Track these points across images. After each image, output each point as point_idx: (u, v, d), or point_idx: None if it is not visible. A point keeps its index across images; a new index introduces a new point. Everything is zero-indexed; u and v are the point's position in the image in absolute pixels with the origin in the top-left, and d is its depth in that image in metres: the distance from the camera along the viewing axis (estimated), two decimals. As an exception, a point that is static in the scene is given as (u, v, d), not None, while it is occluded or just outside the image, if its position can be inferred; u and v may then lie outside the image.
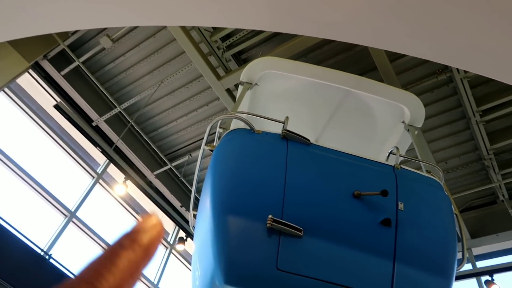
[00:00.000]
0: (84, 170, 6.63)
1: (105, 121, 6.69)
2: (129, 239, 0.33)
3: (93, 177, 6.68)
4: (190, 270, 7.21)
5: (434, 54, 1.95)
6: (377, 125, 3.64)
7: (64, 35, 5.86)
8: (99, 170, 6.82)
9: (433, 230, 2.24)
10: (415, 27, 1.81)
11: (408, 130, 3.33)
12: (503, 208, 6.06)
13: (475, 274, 5.95)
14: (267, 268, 1.93)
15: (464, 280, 6.14)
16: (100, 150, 6.37)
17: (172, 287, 7.25)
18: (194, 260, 2.49)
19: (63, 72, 6.18)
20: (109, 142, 6.84)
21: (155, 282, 6.91)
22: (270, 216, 1.99)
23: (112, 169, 6.96)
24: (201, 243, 2.23)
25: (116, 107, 6.59)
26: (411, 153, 3.96)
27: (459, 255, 2.48)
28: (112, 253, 0.31)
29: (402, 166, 2.53)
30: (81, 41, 6.13)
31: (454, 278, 2.13)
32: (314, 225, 2.07)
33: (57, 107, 5.87)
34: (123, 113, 6.72)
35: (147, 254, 0.33)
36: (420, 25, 1.77)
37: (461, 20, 1.65)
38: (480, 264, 6.26)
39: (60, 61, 6.24)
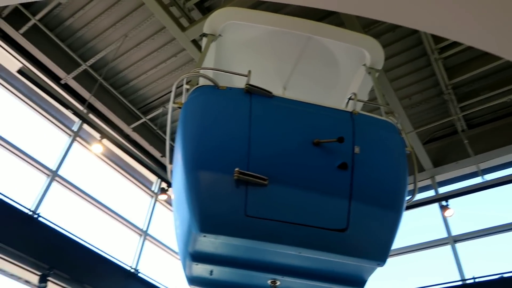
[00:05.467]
0: (60, 130, 6.62)
1: (74, 78, 6.58)
2: None
3: (70, 136, 6.70)
4: (176, 216, 7.55)
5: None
6: (340, 70, 3.74)
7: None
8: (74, 128, 6.81)
9: (385, 169, 2.45)
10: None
11: (369, 73, 3.45)
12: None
13: (437, 199, 6.47)
14: (237, 216, 2.14)
15: (428, 205, 6.68)
16: (72, 112, 6.32)
17: (161, 232, 7.61)
18: (174, 210, 2.70)
19: (21, 31, 5.93)
20: (81, 99, 6.78)
21: (145, 229, 7.26)
22: (236, 169, 2.17)
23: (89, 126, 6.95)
24: (178, 195, 2.42)
25: (82, 64, 6.45)
26: (374, 93, 4.11)
27: (412, 187, 2.71)
28: None
29: (360, 111, 2.69)
30: (36, -3, 5.83)
31: (403, 209, 2.40)
32: (278, 173, 2.26)
33: (20, 72, 5.70)
34: (90, 70, 6.60)
35: None
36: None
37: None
38: (442, 189, 6.79)
39: (15, 19, 5.96)
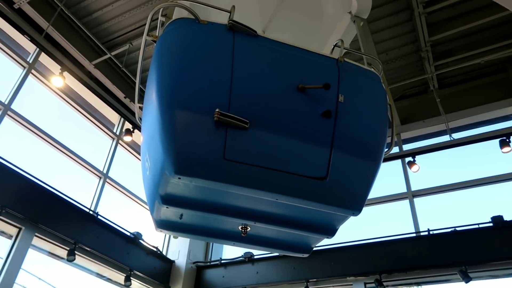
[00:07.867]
0: (13, 59, 6.05)
1: (29, 3, 5.94)
2: None
3: (24, 68, 6.16)
4: (139, 160, 7.39)
5: None
6: (324, 16, 3.60)
7: None
8: (29, 60, 6.26)
9: (367, 120, 2.42)
10: None
11: (354, 21, 3.34)
12: (433, 97, 6.60)
13: (401, 156, 6.70)
14: (215, 158, 2.03)
15: (392, 161, 6.90)
16: (29, 38, 5.75)
17: (122, 176, 7.44)
18: (143, 151, 2.55)
19: None
20: (38, 28, 6.17)
21: (105, 172, 7.04)
22: (217, 110, 2.04)
23: (46, 59, 6.38)
24: (150, 135, 2.27)
25: (39, -13, 5.82)
26: (354, 44, 4.04)
27: (388, 140, 2.72)
28: None
29: (345, 59, 2.59)
30: None
31: (381, 160, 2.40)
32: (259, 117, 2.15)
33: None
34: (48, -6, 5.98)
35: None
36: None
37: None
38: (406, 147, 7.02)
39: None
